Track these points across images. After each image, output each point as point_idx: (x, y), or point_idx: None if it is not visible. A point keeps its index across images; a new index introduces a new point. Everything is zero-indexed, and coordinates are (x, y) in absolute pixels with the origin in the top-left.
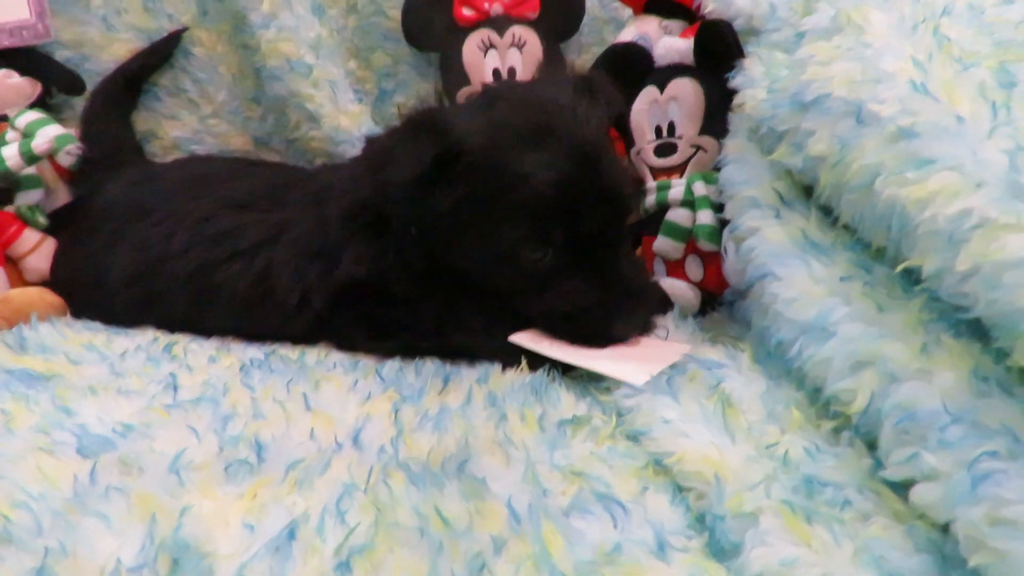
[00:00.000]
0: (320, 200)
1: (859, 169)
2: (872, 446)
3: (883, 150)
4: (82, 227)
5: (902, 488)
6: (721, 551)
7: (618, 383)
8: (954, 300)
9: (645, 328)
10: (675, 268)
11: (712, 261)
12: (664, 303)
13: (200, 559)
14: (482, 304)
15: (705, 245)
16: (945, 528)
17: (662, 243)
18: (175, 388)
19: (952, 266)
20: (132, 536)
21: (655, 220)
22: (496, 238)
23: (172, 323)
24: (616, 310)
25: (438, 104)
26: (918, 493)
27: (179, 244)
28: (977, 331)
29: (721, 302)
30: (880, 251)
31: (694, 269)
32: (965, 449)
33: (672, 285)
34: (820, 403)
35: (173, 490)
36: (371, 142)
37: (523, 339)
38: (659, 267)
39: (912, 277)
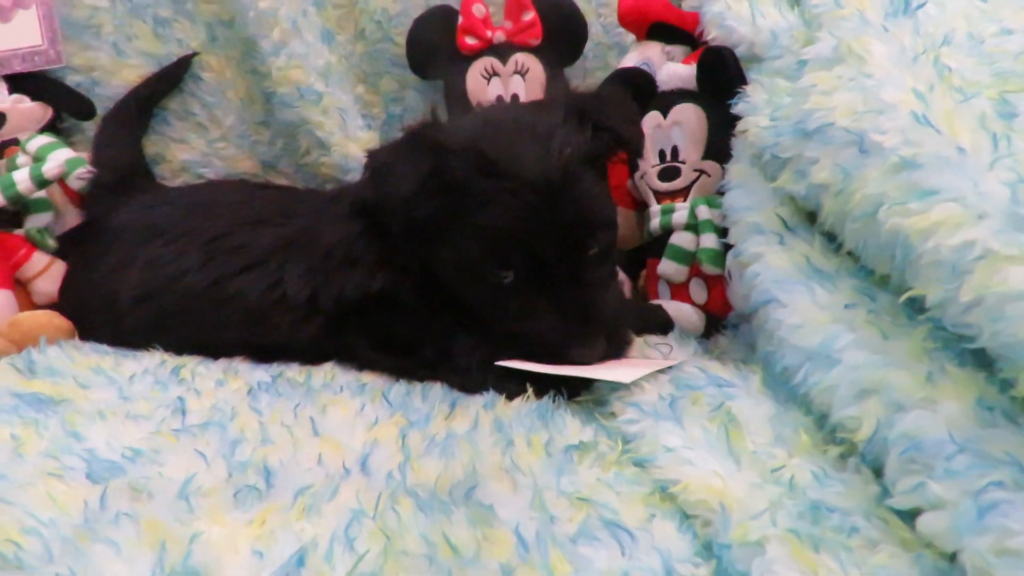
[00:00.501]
0: (330, 209)
1: (862, 198)
2: (879, 473)
3: (886, 180)
4: (92, 250)
5: (909, 516)
6: None
7: (623, 409)
8: (958, 330)
9: (608, 355)
10: (679, 291)
11: (716, 284)
12: (665, 325)
13: None
14: (478, 334)
15: (709, 269)
16: (952, 557)
17: (666, 266)
18: (183, 412)
19: (955, 297)
20: (142, 563)
21: (660, 244)
22: (464, 253)
23: (182, 341)
24: (574, 335)
25: (433, 120)
26: (925, 522)
27: (193, 261)
28: (981, 360)
29: (725, 325)
30: (884, 279)
31: (698, 292)
32: (971, 479)
33: (676, 308)
34: (826, 430)
35: (182, 516)
36: (372, 155)
37: (511, 361)
38: (664, 290)
39: (916, 306)
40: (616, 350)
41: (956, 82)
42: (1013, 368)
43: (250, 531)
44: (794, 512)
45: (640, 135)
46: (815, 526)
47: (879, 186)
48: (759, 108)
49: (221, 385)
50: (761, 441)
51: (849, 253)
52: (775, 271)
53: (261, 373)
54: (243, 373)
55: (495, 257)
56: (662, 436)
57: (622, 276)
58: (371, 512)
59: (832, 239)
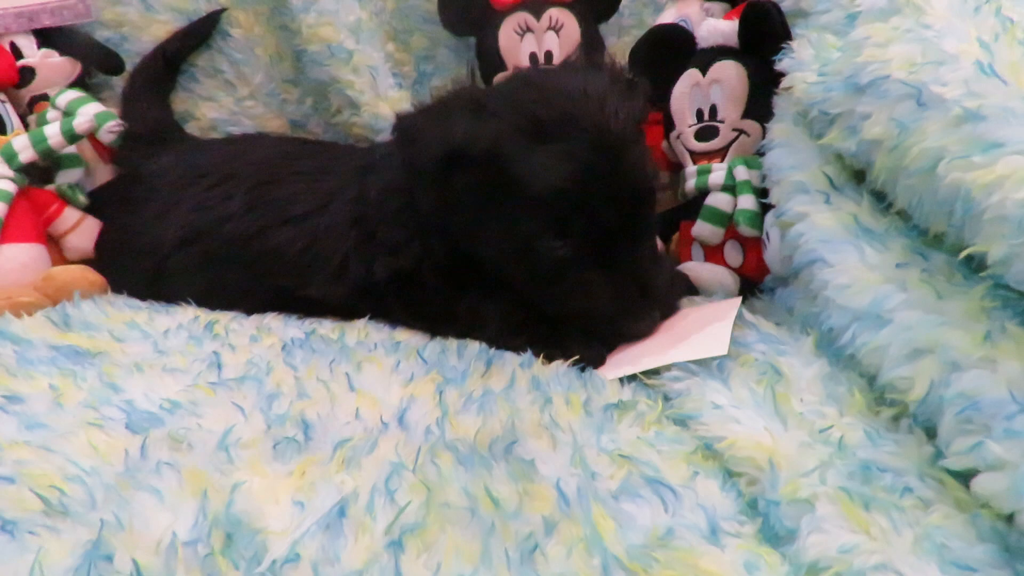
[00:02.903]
0: (364, 173)
1: (920, 153)
2: (931, 434)
3: (947, 133)
4: (132, 196)
5: (964, 477)
6: (775, 537)
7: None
8: (1023, 287)
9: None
10: (714, 253)
11: (752, 247)
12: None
13: (253, 535)
14: (507, 307)
15: (746, 231)
16: (1010, 518)
17: (701, 228)
18: (219, 366)
19: (1022, 252)
20: (185, 511)
21: (694, 205)
22: (512, 229)
23: (223, 285)
24: (630, 309)
25: (470, 85)
26: (981, 483)
27: (237, 206)
28: None
29: (762, 289)
30: (938, 237)
31: (733, 255)
32: None
33: (711, 270)
34: (876, 391)
35: (223, 467)
36: (401, 119)
37: (614, 371)
38: (697, 252)
39: (973, 264)
40: (668, 315)
41: (1019, 34)
42: None
43: (290, 482)
44: (844, 471)
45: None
46: (866, 485)
47: (939, 139)
48: (806, 64)
49: (255, 341)
50: (812, 400)
51: (899, 212)
52: (821, 230)
53: (294, 330)
54: (276, 330)
55: (552, 225)
56: (708, 394)
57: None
58: (411, 465)
59: (881, 198)
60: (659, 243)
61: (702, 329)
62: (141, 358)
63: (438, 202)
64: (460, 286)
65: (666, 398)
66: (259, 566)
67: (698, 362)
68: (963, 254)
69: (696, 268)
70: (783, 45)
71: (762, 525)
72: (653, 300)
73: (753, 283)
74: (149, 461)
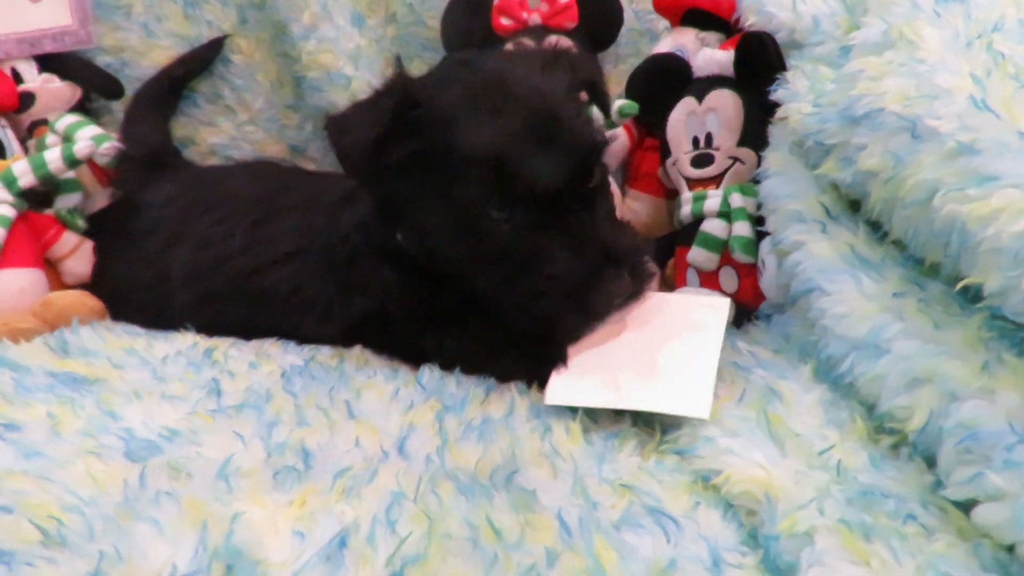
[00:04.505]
0: (341, 206)
1: (915, 184)
2: (931, 463)
3: (942, 166)
4: (134, 228)
5: (965, 506)
6: (777, 569)
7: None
8: (1019, 318)
9: (633, 296)
10: (709, 279)
11: (747, 274)
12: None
13: (253, 567)
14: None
15: (741, 257)
16: (1011, 548)
17: (696, 254)
18: (218, 394)
19: (1018, 284)
20: (185, 542)
21: (690, 231)
22: (454, 198)
23: (225, 323)
24: (594, 276)
25: (399, 74)
26: (982, 513)
27: (237, 245)
28: None
29: (757, 315)
30: (934, 267)
31: (729, 281)
32: None
33: (710, 297)
34: (875, 420)
35: (222, 496)
36: (331, 117)
37: (563, 397)
38: (693, 278)
39: (970, 295)
40: (640, 285)
41: (1010, 69)
42: None
43: (291, 512)
44: (842, 499)
45: (605, 91)
46: (866, 512)
47: (934, 172)
48: (801, 95)
49: (254, 368)
50: (812, 422)
51: (895, 242)
52: (819, 260)
53: (293, 357)
54: (275, 356)
55: (494, 192)
56: (700, 427)
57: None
58: (411, 495)
59: (876, 228)
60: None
61: (679, 360)
62: (139, 385)
63: (380, 190)
64: (426, 319)
65: (662, 430)
66: None
67: None
68: (960, 285)
69: (692, 293)
70: (778, 76)
71: (763, 557)
72: (619, 260)
73: (748, 309)
74: (148, 491)
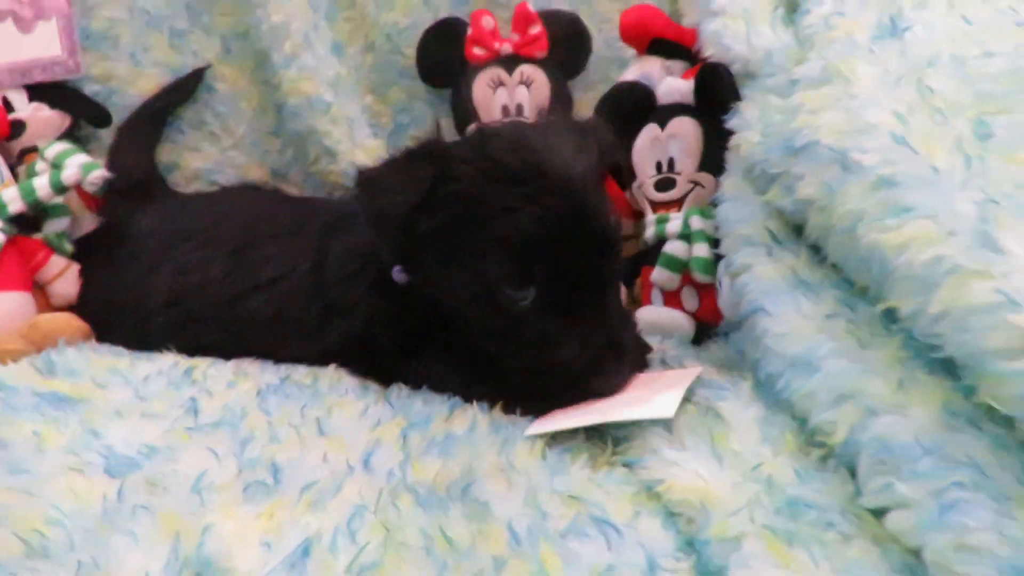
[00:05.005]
0: (327, 232)
1: (843, 214)
2: (854, 474)
3: (865, 197)
4: (117, 254)
5: (879, 514)
6: (708, 572)
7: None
8: (927, 340)
9: (624, 383)
10: (672, 298)
11: (708, 293)
12: (641, 349)
13: (222, 574)
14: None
15: (700, 277)
16: (918, 552)
17: (659, 274)
18: (196, 412)
19: (925, 309)
20: (158, 552)
21: (655, 252)
22: (477, 272)
23: (205, 346)
24: (598, 363)
25: (435, 137)
26: (892, 520)
27: (217, 271)
28: (949, 369)
29: (717, 333)
30: (864, 290)
31: (690, 300)
32: (934, 480)
33: (668, 314)
34: (806, 433)
35: (195, 509)
36: (363, 173)
37: (542, 427)
38: (657, 297)
39: (892, 317)
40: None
41: (938, 103)
42: (974, 376)
43: (259, 524)
44: (771, 508)
45: (628, 165)
46: (792, 521)
47: (859, 203)
48: (751, 124)
49: (232, 386)
50: (748, 441)
51: (833, 265)
52: (763, 282)
53: (270, 376)
54: (253, 375)
55: (516, 271)
56: (649, 439)
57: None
58: (372, 507)
59: (817, 251)
60: (623, 290)
61: (653, 395)
62: (121, 404)
63: (402, 251)
64: (412, 347)
65: (615, 443)
66: None
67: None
68: (880, 308)
69: (654, 312)
70: (732, 105)
71: (696, 562)
72: (622, 354)
73: (709, 327)
74: (126, 504)
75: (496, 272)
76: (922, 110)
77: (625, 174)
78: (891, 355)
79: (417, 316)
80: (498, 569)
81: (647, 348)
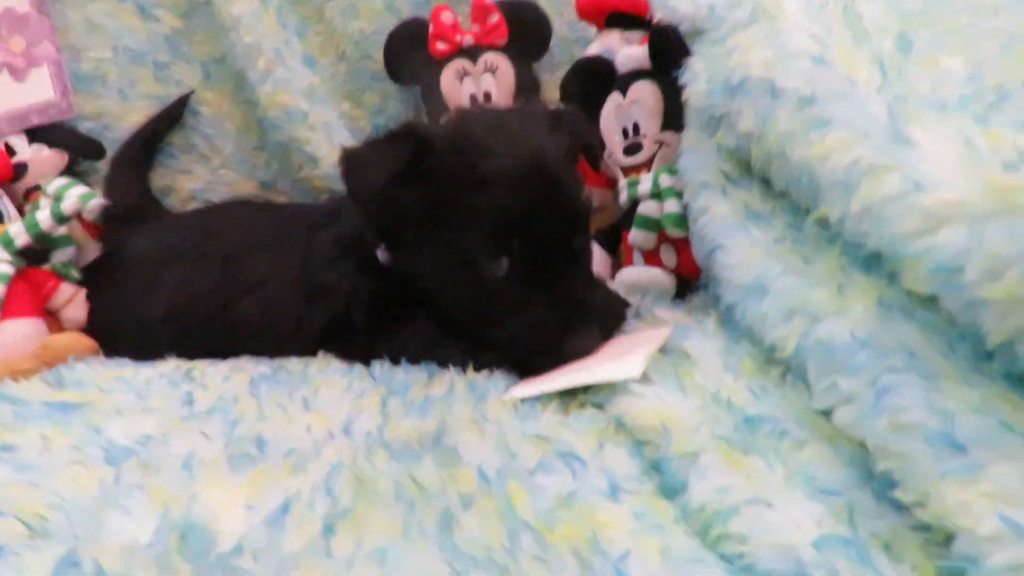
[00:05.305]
0: (312, 232)
1: (775, 138)
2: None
3: (791, 118)
4: (118, 276)
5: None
6: (672, 491)
7: None
8: (855, 240)
9: (596, 344)
10: (651, 257)
11: (684, 248)
12: (618, 306)
13: (205, 534)
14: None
15: (674, 232)
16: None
17: (635, 235)
18: (191, 403)
19: (849, 210)
20: (148, 521)
21: (630, 215)
22: (454, 244)
23: (204, 355)
24: (568, 327)
25: (414, 120)
26: (838, 417)
27: (209, 283)
28: (884, 265)
29: (697, 286)
30: (808, 210)
31: (668, 256)
32: (870, 370)
33: (648, 273)
34: (764, 354)
35: (185, 483)
36: (347, 151)
37: (524, 390)
38: (638, 258)
39: (826, 226)
40: (609, 336)
41: (865, 26)
42: (896, 262)
43: (243, 490)
44: (731, 426)
45: (600, 149)
46: (749, 435)
47: (787, 125)
48: (699, 76)
49: (227, 380)
50: (711, 372)
51: (782, 193)
52: (719, 220)
53: (264, 367)
54: (247, 369)
55: (491, 242)
56: (621, 382)
57: (602, 253)
58: (348, 464)
59: (769, 184)
60: (604, 255)
61: (623, 355)
62: (123, 404)
63: (385, 228)
64: (392, 323)
65: (584, 388)
66: (207, 557)
67: None
68: (811, 218)
69: (634, 272)
70: (683, 62)
71: (659, 484)
72: (592, 317)
73: (689, 280)
74: (121, 486)
75: (472, 243)
76: (843, 32)
77: (598, 157)
78: (832, 264)
79: (398, 294)
80: (466, 506)
81: (625, 305)
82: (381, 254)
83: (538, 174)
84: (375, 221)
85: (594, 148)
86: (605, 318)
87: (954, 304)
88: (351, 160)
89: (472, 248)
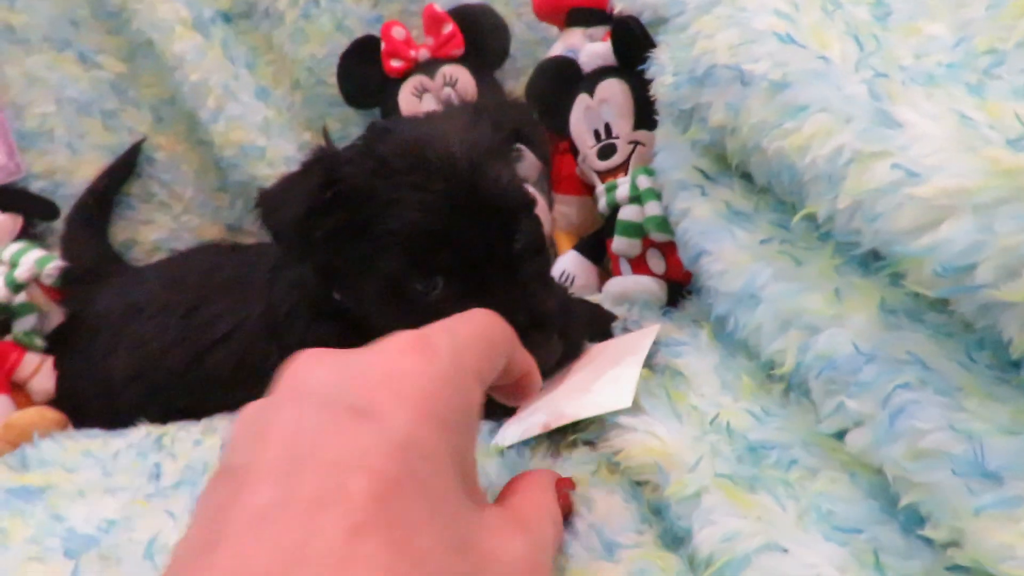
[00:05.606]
0: (274, 274)
1: (749, 130)
2: None
3: (764, 107)
4: (80, 340)
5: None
6: (675, 539)
7: None
8: (848, 238)
9: (568, 356)
10: (638, 264)
11: (671, 252)
12: (602, 320)
13: None
14: None
15: (658, 236)
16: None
17: (619, 243)
18: (159, 476)
19: (836, 205)
20: None
21: (612, 222)
22: (378, 271)
23: (173, 411)
24: (523, 338)
25: (325, 145)
26: (850, 442)
27: (172, 337)
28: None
29: (690, 290)
30: (795, 206)
31: (656, 262)
32: (880, 387)
33: (636, 281)
34: (763, 370)
35: (147, 574)
36: (261, 192)
37: (509, 435)
38: (625, 267)
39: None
40: (572, 351)
41: None
42: (897, 261)
43: None
44: (732, 457)
45: (540, 133)
46: (754, 467)
47: (760, 114)
48: (665, 67)
49: (198, 444)
50: (707, 392)
51: (763, 189)
52: (700, 223)
53: None
54: (220, 429)
55: (417, 264)
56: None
57: (587, 265)
58: None
59: (751, 179)
60: (592, 269)
61: (608, 371)
62: (87, 484)
63: (319, 261)
64: None
65: (573, 425)
66: None
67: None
68: (797, 217)
69: (621, 282)
70: (648, 54)
71: (661, 531)
72: (545, 324)
73: (681, 286)
74: None
75: (394, 267)
76: (811, 4)
77: (542, 147)
78: (825, 265)
79: (360, 335)
80: None
81: (611, 317)
82: (336, 294)
83: (450, 181)
84: (308, 261)
85: (532, 137)
86: (566, 323)
87: (968, 307)
88: (265, 201)
89: (396, 273)
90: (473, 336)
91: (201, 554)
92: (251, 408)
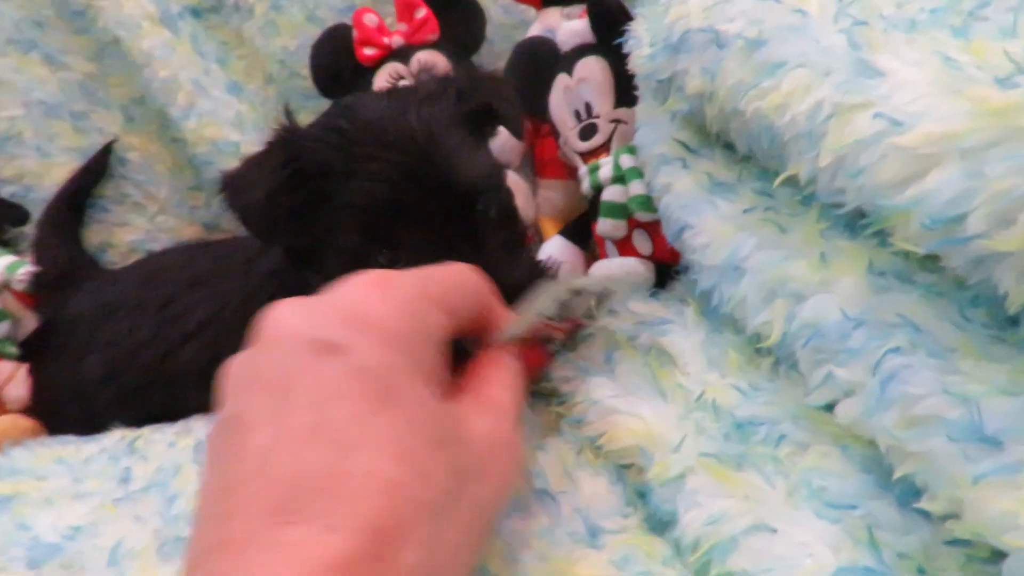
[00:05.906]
0: (250, 266)
1: (726, 93)
2: None
3: (740, 67)
4: (54, 344)
5: (832, 409)
6: (659, 523)
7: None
8: (832, 199)
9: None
10: (625, 246)
11: (657, 232)
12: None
13: None
14: None
15: (643, 216)
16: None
17: (603, 224)
18: (128, 480)
19: (819, 165)
20: None
21: (596, 204)
22: (341, 246)
23: (150, 412)
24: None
25: (288, 124)
26: (840, 413)
27: (145, 334)
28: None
29: (678, 270)
30: (777, 172)
31: (642, 243)
32: (869, 353)
33: (620, 263)
34: (751, 343)
35: None
36: (225, 174)
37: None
38: (612, 249)
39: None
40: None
41: None
42: (883, 217)
43: None
44: (718, 435)
45: (514, 106)
46: (741, 444)
47: (737, 75)
48: (642, 40)
49: (171, 446)
50: (694, 370)
51: (747, 157)
52: (682, 196)
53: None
54: (196, 430)
55: (374, 235)
56: (592, 391)
57: (573, 249)
58: None
59: (733, 149)
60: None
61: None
62: (55, 491)
63: (289, 243)
64: None
65: (559, 401)
66: None
67: (587, 357)
68: (778, 181)
69: (606, 265)
70: (625, 28)
71: (646, 515)
72: (510, 295)
73: (669, 266)
74: None
75: (355, 240)
76: None
77: (514, 120)
78: (810, 230)
79: None
80: None
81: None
82: (312, 278)
83: (406, 151)
84: (278, 243)
85: (504, 110)
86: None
87: (960, 262)
88: (229, 183)
89: (359, 247)
90: (443, 275)
91: (220, 500)
92: (235, 361)
